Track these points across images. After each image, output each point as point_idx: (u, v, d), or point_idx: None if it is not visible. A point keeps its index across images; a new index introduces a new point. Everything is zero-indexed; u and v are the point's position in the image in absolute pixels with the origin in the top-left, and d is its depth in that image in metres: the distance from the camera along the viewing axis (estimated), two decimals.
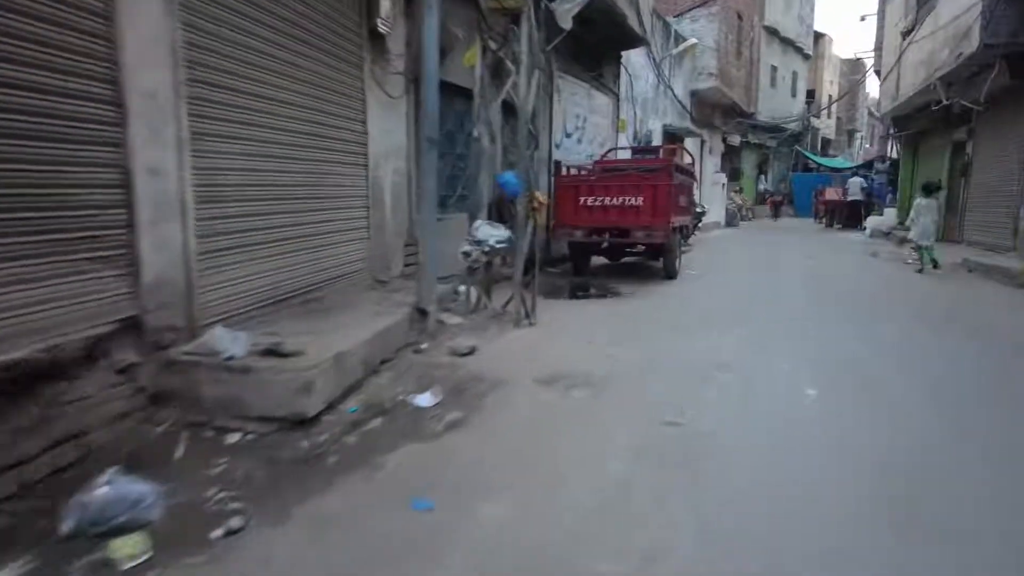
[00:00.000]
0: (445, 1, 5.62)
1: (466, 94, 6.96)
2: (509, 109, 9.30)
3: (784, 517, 2.68)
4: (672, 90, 17.61)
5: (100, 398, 3.21)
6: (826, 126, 39.31)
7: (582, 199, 9.19)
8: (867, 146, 47.00)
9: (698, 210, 15.63)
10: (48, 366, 2.92)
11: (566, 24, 6.73)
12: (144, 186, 3.39)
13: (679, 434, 3.50)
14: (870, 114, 46.98)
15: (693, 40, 17.31)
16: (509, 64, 5.80)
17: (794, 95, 31.72)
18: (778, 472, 3.07)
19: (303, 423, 3.55)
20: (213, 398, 3.55)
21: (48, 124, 2.96)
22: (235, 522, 2.61)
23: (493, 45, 5.89)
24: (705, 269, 10.94)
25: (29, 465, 2.80)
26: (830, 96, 36.82)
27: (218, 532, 2.55)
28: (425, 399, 4.00)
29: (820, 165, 31.59)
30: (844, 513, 2.69)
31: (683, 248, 13.57)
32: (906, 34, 15.84)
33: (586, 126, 12.04)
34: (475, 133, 5.84)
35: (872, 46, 24.87)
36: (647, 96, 16.02)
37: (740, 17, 21.96)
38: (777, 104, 28.80)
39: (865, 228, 18.69)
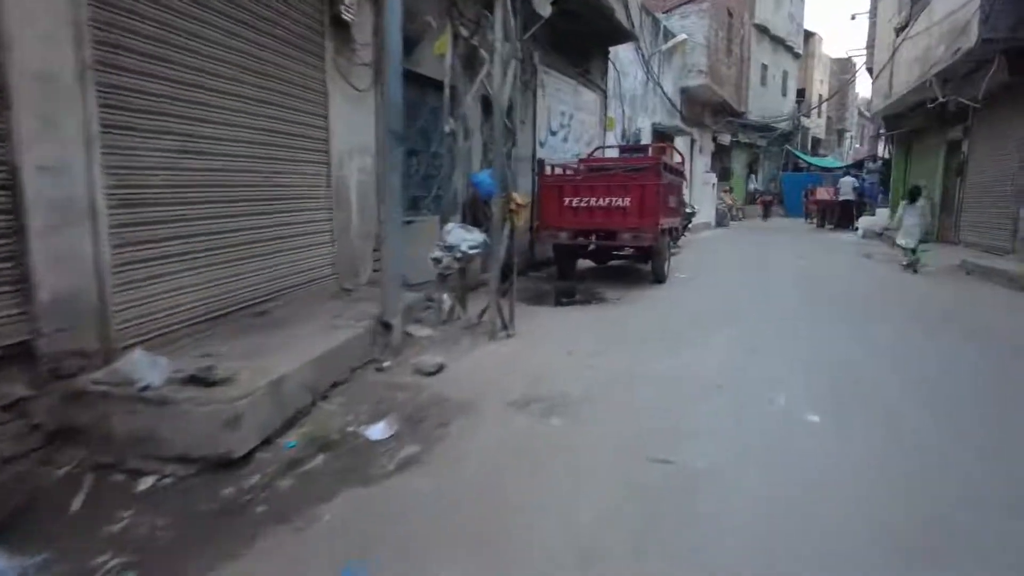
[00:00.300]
0: None
1: (441, 87, 6.47)
2: (490, 104, 8.86)
3: None
4: (661, 87, 17.17)
5: None
6: (816, 125, 39.08)
7: (567, 200, 8.72)
8: (857, 146, 46.88)
9: (688, 211, 15.19)
10: None
11: (544, 10, 6.26)
12: (36, 187, 2.88)
13: (668, 475, 3.02)
14: (860, 114, 46.92)
15: (683, 36, 16.88)
16: (483, 53, 5.30)
17: (784, 94, 31.41)
18: (785, 525, 2.60)
19: (231, 463, 3.05)
20: (126, 435, 3.04)
21: None
22: None
23: (465, 32, 5.40)
24: (695, 272, 10.50)
25: None
26: (820, 95, 36.56)
27: None
28: (378, 430, 3.50)
29: (810, 165, 31.33)
30: None
31: (673, 250, 13.16)
32: (900, 30, 15.48)
33: (572, 124, 11.56)
34: (446, 128, 5.34)
35: (863, 44, 24.59)
36: (636, 93, 15.57)
37: (730, 14, 21.57)
38: (767, 103, 28.47)
39: (857, 228, 18.36)
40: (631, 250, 9.39)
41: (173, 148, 3.89)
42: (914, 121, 16.99)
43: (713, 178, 22.03)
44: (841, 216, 21.56)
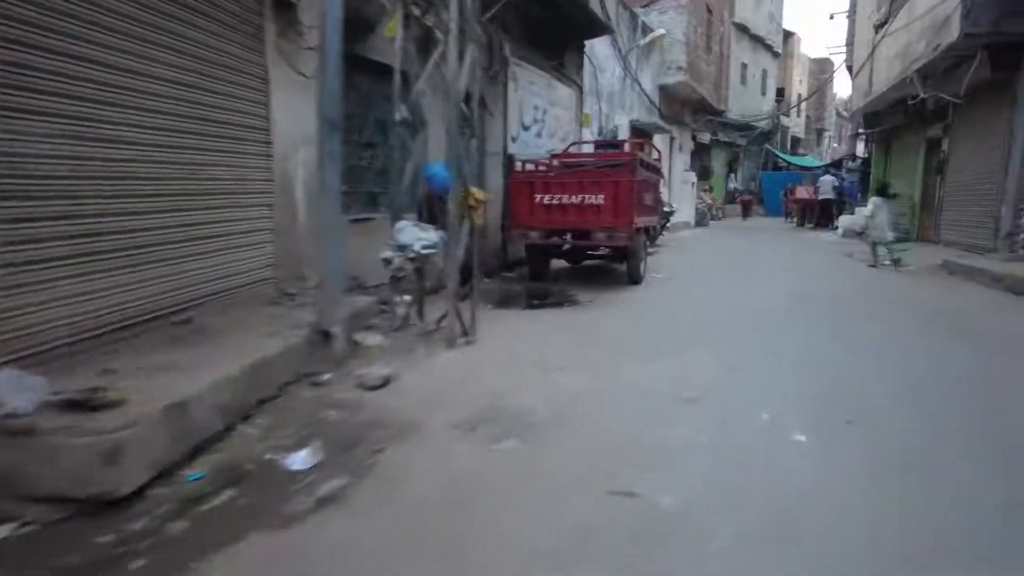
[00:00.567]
0: None
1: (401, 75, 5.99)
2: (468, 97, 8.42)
3: None
4: (639, 84, 16.82)
5: None
6: (796, 125, 39.16)
7: (538, 197, 8.28)
8: (835, 145, 47.10)
9: (666, 209, 14.85)
10: None
11: None
12: None
13: (633, 513, 2.58)
14: (838, 114, 47.16)
15: (661, 31, 16.54)
16: (439, 35, 4.84)
17: (764, 93, 31.35)
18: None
19: (116, 503, 2.56)
20: None
21: None
22: None
23: (417, 12, 4.93)
24: (673, 272, 10.11)
25: None
26: (799, 95, 36.57)
27: None
28: (300, 459, 3.02)
29: (790, 164, 31.28)
30: None
31: (650, 250, 12.79)
32: (880, 27, 15.27)
33: (546, 119, 11.13)
34: (396, 116, 4.87)
35: (843, 43, 24.50)
36: (613, 89, 15.19)
37: (710, 11, 21.31)
38: (747, 102, 28.34)
39: (837, 227, 18.15)
40: (606, 250, 9.00)
41: (71, 134, 3.39)
42: (893, 119, 16.82)
43: (693, 177, 21.73)
44: (821, 215, 21.39)
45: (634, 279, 8.73)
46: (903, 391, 4.10)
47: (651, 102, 17.97)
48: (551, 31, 10.53)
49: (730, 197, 28.83)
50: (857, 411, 3.67)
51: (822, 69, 39.82)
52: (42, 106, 3.21)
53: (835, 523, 2.48)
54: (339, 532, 2.47)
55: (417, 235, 4.73)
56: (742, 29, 27.33)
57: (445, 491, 2.78)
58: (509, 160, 8.62)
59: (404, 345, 4.93)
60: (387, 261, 4.79)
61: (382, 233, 5.93)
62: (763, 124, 30.14)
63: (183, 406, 2.91)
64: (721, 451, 3.13)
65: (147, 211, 3.96)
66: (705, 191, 24.26)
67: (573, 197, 8.10)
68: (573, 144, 11.61)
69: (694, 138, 23.43)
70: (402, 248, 4.72)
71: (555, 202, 8.19)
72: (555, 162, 9.59)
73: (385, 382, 4.06)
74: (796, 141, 39.23)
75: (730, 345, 5.28)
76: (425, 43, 4.97)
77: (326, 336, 4.17)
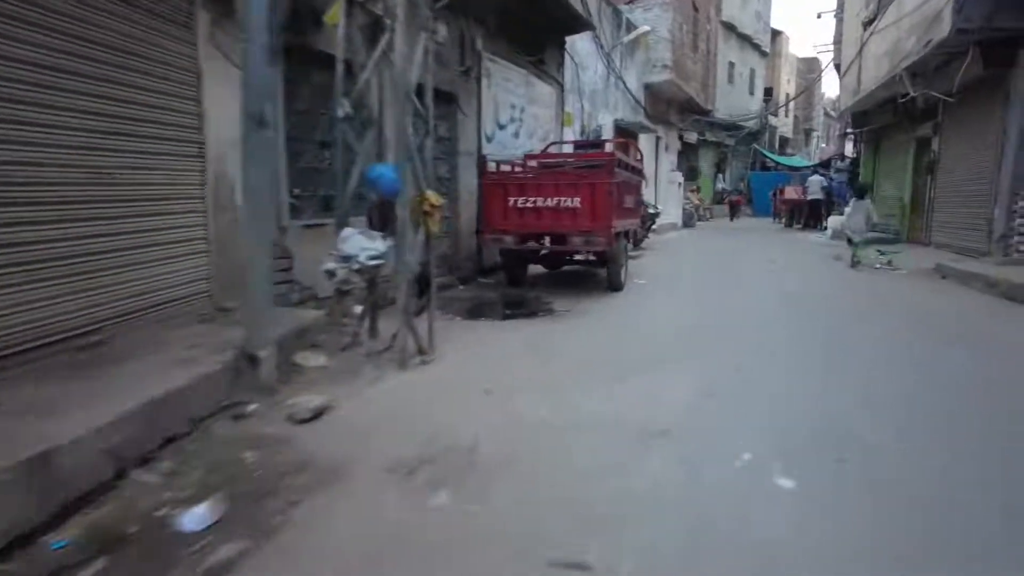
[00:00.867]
0: None
1: (351, 69, 5.51)
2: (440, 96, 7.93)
3: None
4: (624, 82, 16.40)
5: None
6: (784, 125, 38.95)
7: (511, 200, 7.82)
8: (823, 145, 47.01)
9: (651, 211, 14.46)
10: None
11: None
12: None
13: None
14: (826, 114, 47.05)
15: (646, 27, 16.12)
16: (388, 22, 4.36)
17: (752, 93, 31.07)
18: None
19: None
20: None
21: None
22: None
23: None
24: (656, 278, 9.68)
25: None
26: (787, 94, 36.33)
27: None
28: (197, 516, 2.55)
29: (778, 164, 31.03)
30: None
31: (634, 253, 12.38)
32: (868, 24, 14.92)
33: (524, 117, 10.68)
34: (339, 111, 4.40)
35: (831, 41, 24.23)
36: (596, 88, 14.75)
37: (696, 8, 20.93)
38: (735, 101, 28.04)
39: (826, 228, 17.82)
40: (586, 255, 8.56)
41: None
42: (882, 118, 16.51)
43: (679, 177, 21.36)
44: (809, 216, 21.08)
45: (614, 286, 8.30)
46: (900, 422, 3.66)
47: (636, 101, 17.56)
48: (529, 26, 10.09)
49: (718, 198, 28.51)
50: (849, 446, 3.24)
51: (810, 68, 39.66)
52: None
53: None
54: None
55: (362, 244, 4.25)
56: (729, 28, 27.03)
57: (360, 561, 2.31)
58: (481, 161, 8.15)
59: (350, 367, 4.46)
60: (330, 273, 4.31)
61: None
62: (751, 124, 29.85)
63: (51, 457, 2.43)
64: (692, 503, 2.67)
65: (51, 221, 3.49)
66: (693, 192, 23.91)
67: (548, 200, 7.66)
68: (553, 144, 11.16)
69: (681, 138, 23.06)
70: (346, 259, 4.24)
71: (529, 205, 7.75)
72: (533, 163, 9.14)
73: (318, 413, 3.59)
74: (784, 141, 39.02)
75: (710, 363, 4.84)
76: (374, 31, 4.50)
77: (252, 360, 3.69)
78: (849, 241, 11.21)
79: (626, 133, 15.83)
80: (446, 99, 8.32)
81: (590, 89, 14.33)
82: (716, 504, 2.66)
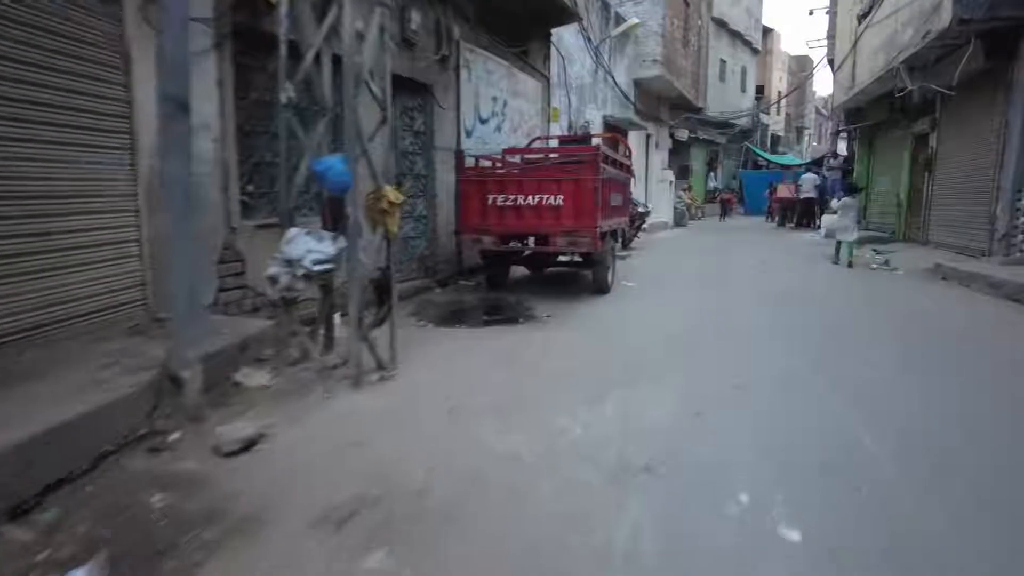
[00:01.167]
0: None
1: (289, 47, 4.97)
2: (414, 86, 7.46)
3: None
4: (613, 77, 15.93)
5: None
6: (776, 122, 38.63)
7: (491, 198, 7.35)
8: (815, 143, 46.78)
9: (641, 210, 14.01)
10: None
11: None
12: None
13: None
14: (817, 112, 46.82)
15: (635, 20, 15.65)
16: None
17: (744, 90, 30.69)
18: None
19: None
20: None
21: None
22: None
23: None
24: (645, 280, 9.22)
25: None
26: (779, 92, 35.97)
27: None
28: None
29: (770, 162, 30.69)
30: None
31: (623, 254, 11.93)
32: (863, 17, 14.53)
33: (507, 111, 10.19)
34: (282, 98, 3.89)
35: (823, 36, 23.87)
36: (584, 82, 14.28)
37: (687, 3, 20.48)
38: (726, 99, 27.65)
39: (820, 227, 17.42)
40: (571, 256, 8.10)
41: None
42: (877, 114, 16.14)
43: (670, 175, 20.92)
44: (802, 214, 20.70)
45: (600, 288, 7.84)
46: (916, 447, 3.21)
47: (625, 97, 17.09)
48: (512, 16, 9.59)
49: (710, 196, 28.12)
50: (860, 478, 2.78)
51: (802, 66, 39.37)
52: None
53: None
54: None
55: (309, 247, 3.76)
56: (721, 24, 26.63)
57: None
58: (457, 156, 7.65)
59: (297, 385, 3.97)
60: (272, 280, 3.81)
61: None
62: (743, 122, 29.46)
63: None
64: (677, 569, 2.20)
65: None
66: (684, 190, 23.49)
67: (530, 198, 7.19)
68: (537, 139, 10.68)
69: (672, 136, 22.62)
70: (290, 263, 3.75)
71: (510, 203, 7.27)
72: (516, 158, 8.67)
73: (249, 444, 3.09)
74: (776, 139, 38.69)
75: (699, 376, 4.37)
76: (325, 9, 4.00)
77: (175, 382, 3.19)
78: (839, 244, 11.03)
79: (615, 130, 15.37)
80: (421, 90, 7.83)
81: (578, 84, 13.86)
82: (706, 570, 2.19)
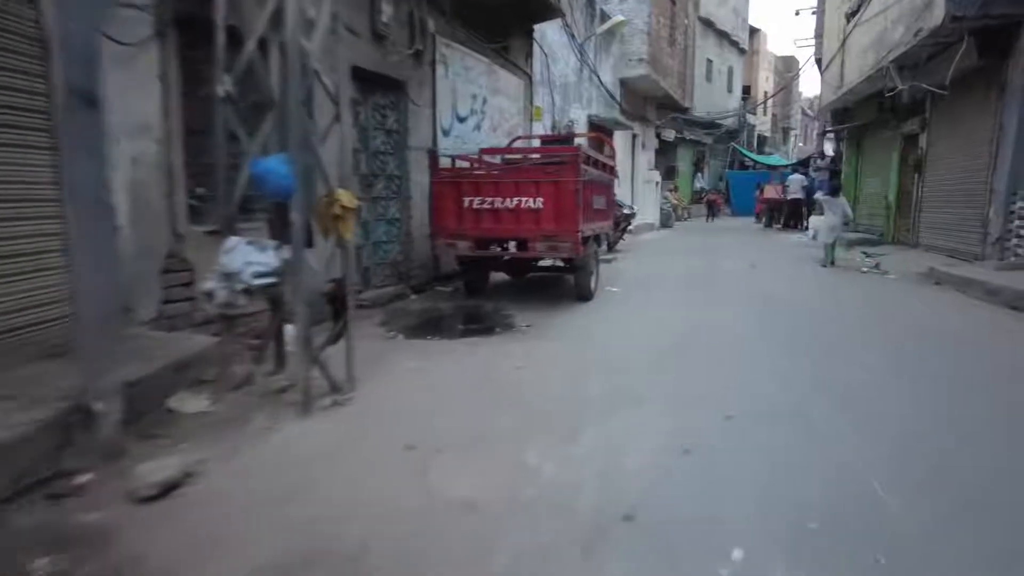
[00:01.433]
0: None
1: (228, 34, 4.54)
2: (386, 82, 7.03)
3: None
4: (598, 76, 15.59)
5: None
6: (762, 123, 38.54)
7: (466, 200, 6.95)
8: (800, 144, 46.79)
9: (627, 211, 13.67)
10: None
11: None
12: None
13: None
14: (803, 112, 46.83)
15: (620, 17, 15.30)
16: None
17: (730, 90, 30.54)
18: None
19: None
20: None
21: None
22: None
23: None
24: (631, 284, 8.87)
25: None
26: (766, 92, 35.86)
27: None
28: None
29: (756, 162, 30.55)
30: None
31: (609, 257, 11.59)
32: (851, 15, 14.28)
33: (487, 110, 9.79)
34: (219, 90, 3.48)
35: (811, 35, 23.70)
36: (568, 81, 13.92)
37: (673, 2, 20.19)
38: (713, 99, 27.45)
39: (807, 228, 17.18)
40: (552, 261, 7.73)
41: None
42: (866, 114, 15.92)
43: (657, 176, 20.63)
44: (790, 215, 20.48)
45: (583, 295, 7.47)
46: (935, 492, 2.86)
47: (611, 96, 16.76)
48: (491, 11, 9.18)
49: (697, 197, 27.90)
50: (875, 535, 2.41)
51: (788, 67, 39.32)
52: None
53: None
54: None
55: (249, 258, 3.34)
56: (707, 24, 26.41)
57: None
58: (431, 156, 7.24)
59: (240, 412, 3.55)
60: (208, 295, 3.39)
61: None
62: (729, 122, 29.26)
63: None
64: None
65: None
66: (671, 191, 23.22)
67: (507, 200, 6.80)
68: (519, 138, 10.29)
69: (658, 136, 22.33)
70: (229, 277, 3.33)
71: (486, 206, 6.88)
72: (496, 158, 8.28)
73: (170, 488, 2.68)
74: (762, 140, 38.60)
75: (686, 402, 3.95)
76: None
77: (87, 415, 2.77)
78: (825, 244, 11.04)
79: (601, 129, 15.03)
80: (394, 87, 7.42)
81: (561, 82, 13.50)
82: None
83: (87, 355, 2.83)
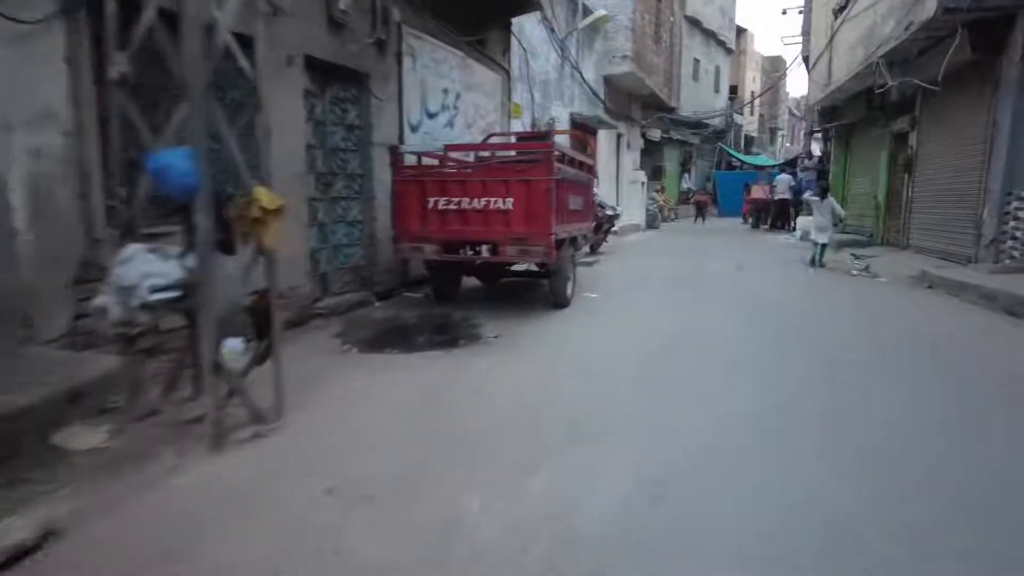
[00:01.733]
0: None
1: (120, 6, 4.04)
2: (345, 74, 6.52)
3: None
4: (580, 73, 15.13)
5: None
6: (749, 123, 38.30)
7: (431, 201, 6.46)
8: (788, 144, 46.64)
9: (610, 212, 13.22)
10: None
11: None
12: None
13: None
14: (791, 112, 46.68)
15: (603, 12, 14.85)
16: None
17: (717, 90, 30.22)
18: None
19: None
20: None
21: None
22: None
23: None
24: (611, 289, 8.42)
25: None
26: (752, 92, 35.60)
27: None
28: None
29: (744, 163, 30.26)
30: None
31: (590, 259, 11.15)
32: (839, 11, 13.93)
33: (460, 105, 9.30)
34: (113, 73, 2.97)
35: (798, 33, 23.42)
36: (549, 78, 13.45)
37: None
38: (700, 99, 27.09)
39: (795, 229, 16.85)
40: (526, 265, 7.26)
41: None
42: (854, 112, 15.59)
43: (642, 176, 20.22)
44: (777, 215, 20.15)
45: (559, 302, 7.01)
46: (948, 539, 2.41)
47: (594, 94, 16.31)
48: (464, 2, 8.68)
49: (683, 197, 27.52)
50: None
51: (775, 67, 39.10)
52: None
53: None
54: None
55: (147, 269, 2.85)
56: (694, 23, 26.04)
57: None
58: (393, 153, 6.73)
59: (142, 448, 3.04)
60: (101, 311, 2.89)
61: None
62: (716, 122, 28.93)
63: None
64: None
65: None
66: (657, 191, 22.83)
67: (475, 201, 6.32)
68: (494, 135, 9.79)
69: (644, 136, 21.92)
70: (125, 291, 2.83)
71: (453, 207, 6.39)
72: (470, 156, 7.78)
73: (20, 554, 2.18)
74: (750, 140, 38.35)
75: (660, 430, 3.47)
76: None
77: None
78: (815, 245, 10.88)
79: (584, 128, 14.59)
80: (355, 79, 6.92)
81: (542, 79, 13.03)
82: None
83: None
